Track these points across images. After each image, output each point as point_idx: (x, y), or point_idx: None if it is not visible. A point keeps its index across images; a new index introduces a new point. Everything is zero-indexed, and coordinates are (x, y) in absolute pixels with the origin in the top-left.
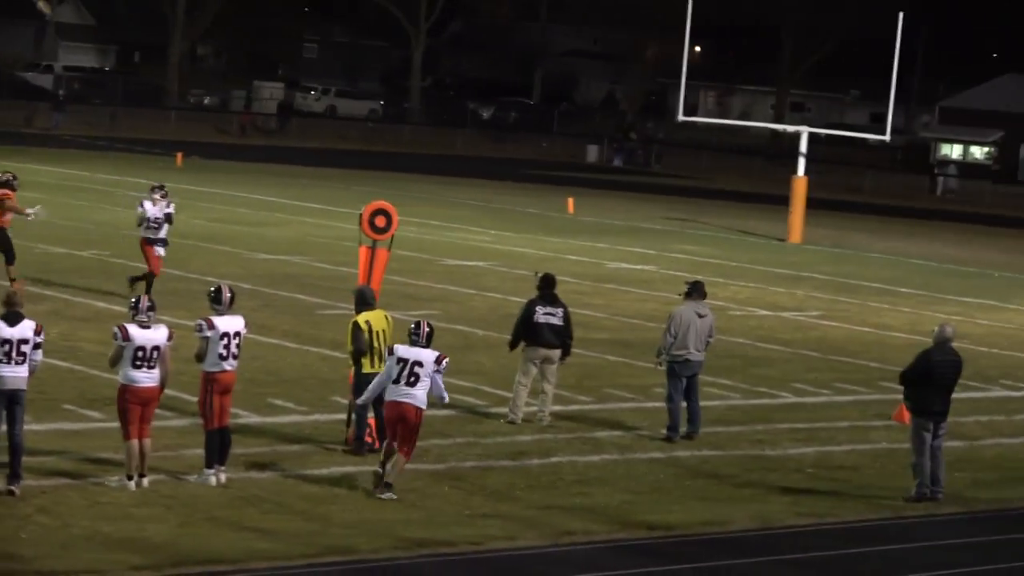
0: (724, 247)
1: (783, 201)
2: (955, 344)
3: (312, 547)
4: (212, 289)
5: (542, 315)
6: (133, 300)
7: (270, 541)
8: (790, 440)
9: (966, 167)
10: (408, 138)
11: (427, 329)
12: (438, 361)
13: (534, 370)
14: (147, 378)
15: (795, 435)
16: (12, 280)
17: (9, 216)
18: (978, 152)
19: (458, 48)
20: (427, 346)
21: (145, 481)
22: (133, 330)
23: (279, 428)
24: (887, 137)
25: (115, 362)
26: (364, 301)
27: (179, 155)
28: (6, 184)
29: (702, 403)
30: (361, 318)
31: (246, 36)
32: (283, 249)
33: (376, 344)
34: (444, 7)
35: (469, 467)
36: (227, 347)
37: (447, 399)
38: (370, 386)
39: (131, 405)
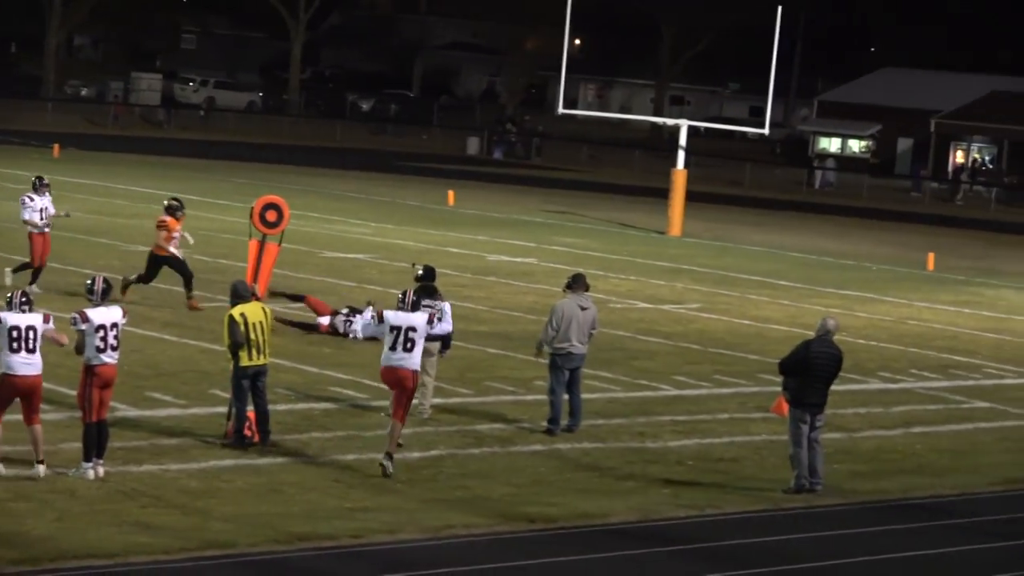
0: (604, 240)
1: (663, 194)
2: (834, 337)
3: (191, 541)
4: (88, 281)
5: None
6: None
7: (149, 535)
8: (671, 433)
9: (844, 161)
10: (288, 130)
11: (414, 297)
12: (429, 322)
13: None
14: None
15: (676, 428)
16: (189, 299)
17: (169, 242)
18: (856, 146)
19: (338, 40)
20: (414, 311)
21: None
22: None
23: (158, 421)
24: (766, 131)
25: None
26: (238, 294)
27: (56, 146)
28: (170, 210)
29: (583, 396)
30: (236, 311)
31: (124, 27)
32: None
33: (254, 336)
34: None
35: (350, 460)
36: (104, 339)
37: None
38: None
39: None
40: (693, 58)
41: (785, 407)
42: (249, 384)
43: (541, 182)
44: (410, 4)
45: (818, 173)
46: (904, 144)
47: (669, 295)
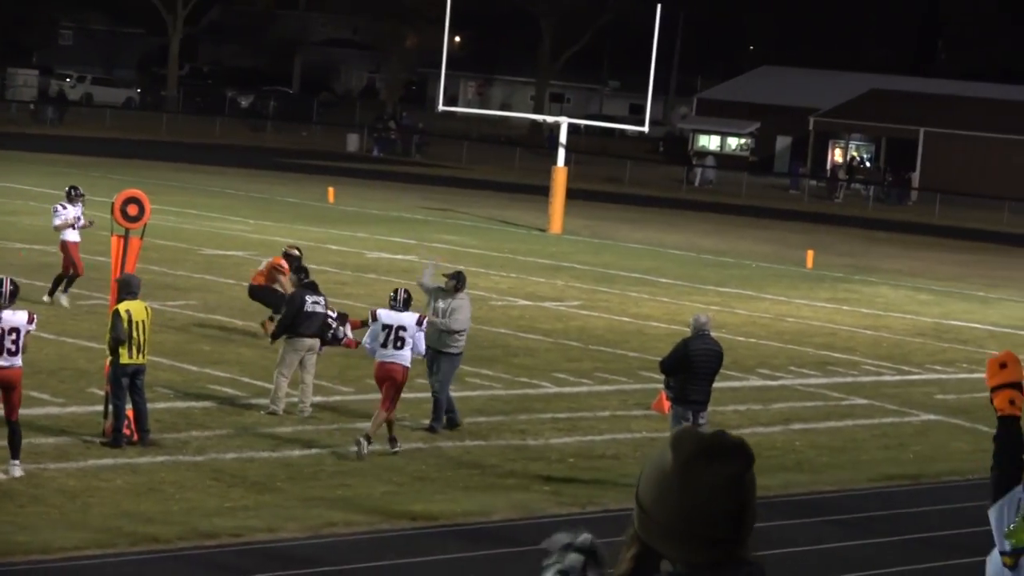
0: (485, 237)
1: (543, 191)
2: (714, 334)
3: (70, 540)
4: None
5: (311, 304)
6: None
7: (27, 534)
8: (552, 430)
9: (723, 158)
10: (166, 126)
11: (404, 295)
12: (419, 323)
13: (297, 361)
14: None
15: (557, 425)
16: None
17: (264, 277)
18: (735, 143)
19: (216, 36)
20: (405, 310)
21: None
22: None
23: (35, 420)
24: (646, 128)
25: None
26: (128, 289)
27: None
28: (288, 258)
29: (464, 393)
30: (123, 306)
31: (1, 21)
32: (38, 239)
33: (135, 335)
34: None
35: (230, 459)
36: (1, 343)
37: (424, 353)
38: (367, 344)
39: None
40: (573, 56)
41: (666, 404)
42: (128, 382)
43: (421, 179)
44: (290, 0)
45: (697, 171)
46: (783, 142)
47: (549, 292)
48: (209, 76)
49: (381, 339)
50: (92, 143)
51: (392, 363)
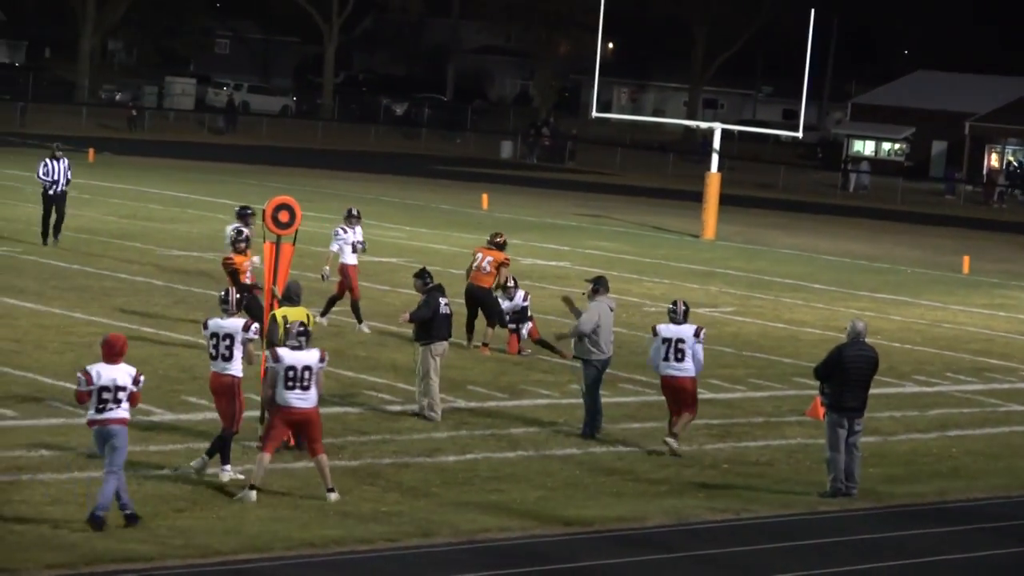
0: (637, 243)
1: (696, 197)
2: (868, 340)
3: (227, 545)
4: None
5: (444, 306)
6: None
7: (185, 538)
8: (705, 436)
9: (878, 163)
10: (321, 134)
11: (683, 308)
12: (696, 334)
13: (438, 364)
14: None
15: (710, 431)
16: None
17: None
18: (890, 148)
19: (371, 44)
20: (684, 322)
21: None
22: (282, 352)
23: (195, 426)
24: (799, 134)
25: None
26: (287, 296)
27: (91, 151)
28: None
29: (617, 399)
30: (279, 312)
31: (157, 31)
32: (196, 245)
33: None
34: (356, 3)
35: (385, 464)
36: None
37: (702, 363)
38: (651, 359)
39: None
40: (726, 61)
41: (820, 411)
42: None
43: (574, 185)
44: (442, 7)
45: (852, 176)
46: (938, 147)
47: (703, 298)
48: (364, 84)
49: (663, 353)
50: (248, 151)
51: (678, 376)
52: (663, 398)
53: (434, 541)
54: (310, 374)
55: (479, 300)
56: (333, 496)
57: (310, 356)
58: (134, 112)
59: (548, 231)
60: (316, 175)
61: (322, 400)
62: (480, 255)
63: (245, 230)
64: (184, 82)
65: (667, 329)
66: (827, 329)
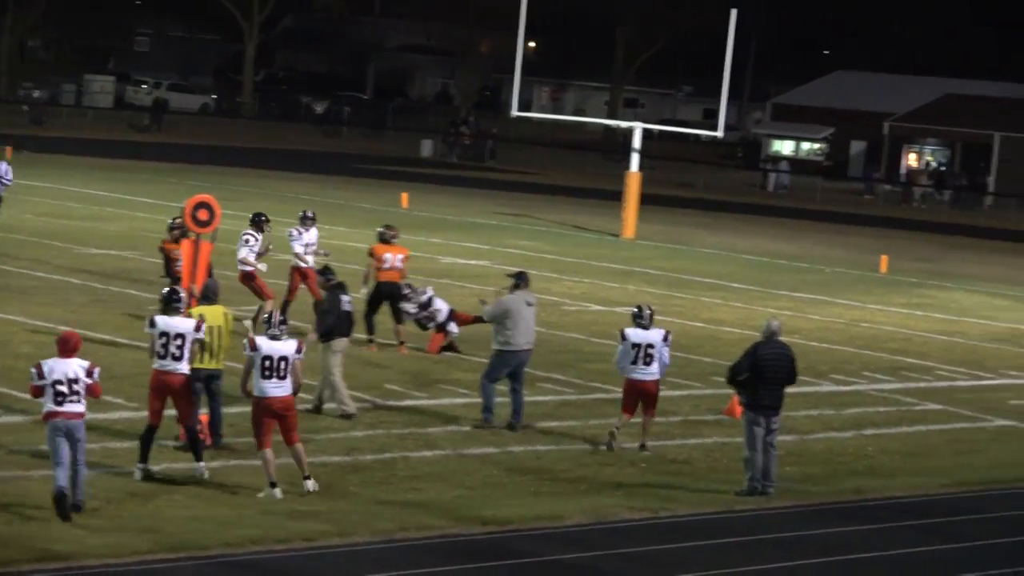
0: (558, 242)
1: (617, 197)
2: (787, 339)
3: (142, 545)
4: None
5: (346, 304)
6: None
7: (99, 538)
8: (623, 435)
9: (798, 163)
10: (241, 132)
11: (649, 312)
12: (664, 339)
13: (340, 361)
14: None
15: (628, 430)
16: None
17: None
18: (809, 148)
19: (292, 43)
20: (651, 327)
21: None
22: (260, 341)
23: (111, 425)
24: (720, 133)
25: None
26: (205, 295)
27: (8, 149)
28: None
29: (536, 397)
30: (197, 311)
31: (77, 29)
32: (114, 244)
33: (208, 339)
34: (277, 2)
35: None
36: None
37: (668, 365)
38: (618, 364)
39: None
40: (647, 61)
41: (738, 410)
42: (202, 387)
43: (495, 184)
44: (364, 6)
45: (771, 176)
46: (857, 147)
47: (622, 297)
48: (284, 82)
49: (631, 357)
50: (169, 149)
51: (644, 380)
52: (584, 397)
53: (352, 540)
54: (286, 364)
55: (392, 296)
56: (310, 484)
57: (287, 347)
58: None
59: (468, 230)
60: (237, 173)
61: (297, 391)
62: (390, 255)
63: (180, 230)
64: (103, 80)
65: (636, 334)
66: (746, 328)
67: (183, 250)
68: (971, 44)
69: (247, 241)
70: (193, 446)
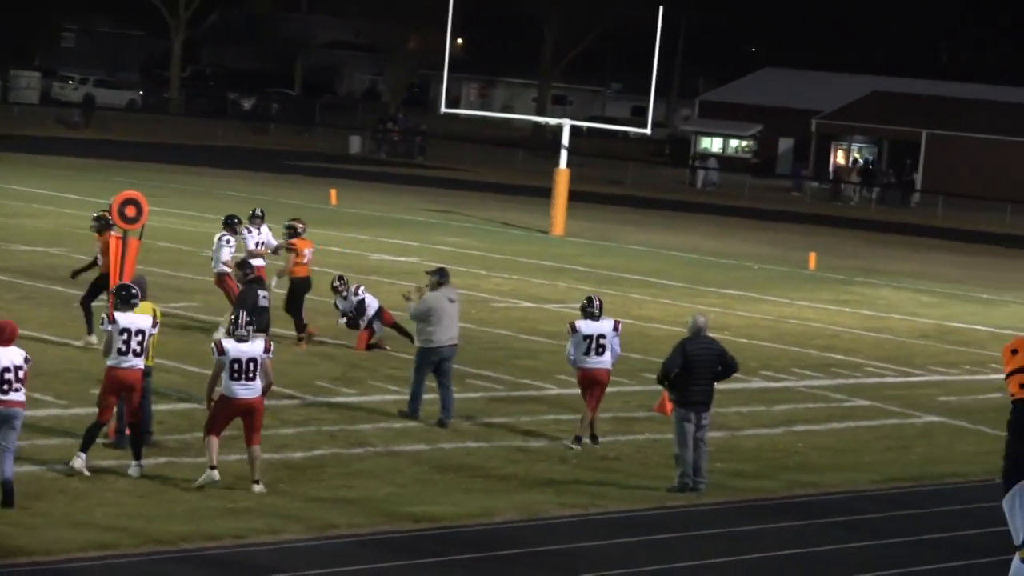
0: (487, 239)
1: (546, 193)
2: (716, 336)
3: (74, 542)
4: None
5: (262, 299)
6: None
7: (30, 536)
8: (554, 431)
9: (726, 160)
10: (168, 129)
11: (599, 303)
12: (615, 328)
13: None
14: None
15: (559, 427)
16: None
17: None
18: (737, 145)
19: (219, 39)
20: (601, 318)
21: None
22: (227, 344)
23: (39, 422)
24: (648, 130)
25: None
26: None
27: None
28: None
29: (467, 394)
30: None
31: (1, 25)
32: (40, 240)
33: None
34: None
35: (233, 460)
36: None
37: (618, 355)
38: (571, 356)
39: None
40: (575, 58)
41: (668, 406)
42: None
43: (423, 181)
44: (291, 3)
45: (700, 173)
46: (785, 144)
47: (552, 294)
48: (211, 78)
49: (583, 348)
50: (96, 145)
51: (598, 369)
52: (514, 394)
53: (283, 537)
54: (255, 365)
55: (309, 289)
56: (257, 488)
57: (255, 348)
58: None
59: (396, 226)
60: (164, 170)
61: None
62: (309, 250)
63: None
64: (29, 76)
65: (587, 326)
66: (676, 325)
67: (111, 247)
68: (898, 42)
69: (228, 242)
70: (136, 444)
